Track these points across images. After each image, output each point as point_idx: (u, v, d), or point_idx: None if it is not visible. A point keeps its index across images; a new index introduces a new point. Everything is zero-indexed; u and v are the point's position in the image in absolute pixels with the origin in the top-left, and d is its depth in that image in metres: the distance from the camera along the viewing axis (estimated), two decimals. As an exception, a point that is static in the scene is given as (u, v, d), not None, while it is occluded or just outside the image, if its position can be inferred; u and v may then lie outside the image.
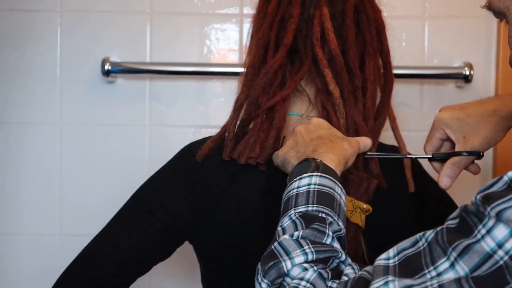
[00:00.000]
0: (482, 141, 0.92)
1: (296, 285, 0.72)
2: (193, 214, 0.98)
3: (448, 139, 0.96)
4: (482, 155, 0.94)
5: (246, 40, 1.09)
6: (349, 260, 0.76)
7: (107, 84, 1.50)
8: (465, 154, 0.92)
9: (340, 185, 0.84)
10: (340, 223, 0.81)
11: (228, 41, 1.51)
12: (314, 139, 0.89)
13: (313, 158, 0.85)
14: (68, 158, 1.52)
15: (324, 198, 0.81)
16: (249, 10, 1.08)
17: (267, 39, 1.01)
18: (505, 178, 0.63)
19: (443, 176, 0.93)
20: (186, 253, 1.13)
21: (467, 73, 1.45)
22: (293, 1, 1.01)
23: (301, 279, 0.72)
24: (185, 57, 1.51)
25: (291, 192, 0.83)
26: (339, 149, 0.89)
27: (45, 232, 1.52)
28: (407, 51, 1.50)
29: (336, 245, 0.78)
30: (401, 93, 1.49)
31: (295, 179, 0.84)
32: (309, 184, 0.82)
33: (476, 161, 0.97)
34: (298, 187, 0.82)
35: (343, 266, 0.76)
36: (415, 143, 1.20)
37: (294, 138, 0.93)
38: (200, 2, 1.51)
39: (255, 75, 1.00)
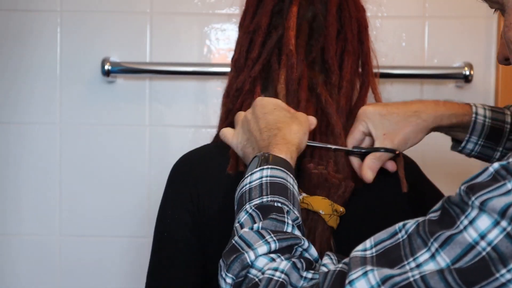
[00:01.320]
0: (401, 140, 0.94)
1: (270, 276, 0.69)
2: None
3: (369, 134, 0.96)
4: (398, 154, 0.96)
5: None
6: (313, 248, 0.75)
7: (107, 84, 1.50)
8: (382, 150, 0.94)
9: (291, 175, 0.83)
10: (296, 212, 0.79)
11: (228, 41, 1.51)
12: (263, 130, 0.88)
13: (262, 153, 0.84)
14: (68, 158, 1.52)
15: (277, 188, 0.79)
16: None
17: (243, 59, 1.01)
18: (491, 169, 0.62)
19: (366, 169, 0.93)
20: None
21: (467, 73, 1.45)
22: (263, 13, 1.00)
23: (275, 269, 0.69)
24: (185, 57, 1.51)
25: (244, 188, 0.81)
26: (289, 135, 0.87)
27: (45, 232, 1.52)
28: (407, 51, 1.50)
29: (297, 232, 0.76)
30: (401, 93, 1.49)
31: (246, 176, 0.83)
32: (261, 178, 0.80)
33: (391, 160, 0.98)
34: (250, 182, 0.81)
35: (306, 254, 0.74)
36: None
37: (246, 127, 0.91)
38: (200, 2, 1.51)
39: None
